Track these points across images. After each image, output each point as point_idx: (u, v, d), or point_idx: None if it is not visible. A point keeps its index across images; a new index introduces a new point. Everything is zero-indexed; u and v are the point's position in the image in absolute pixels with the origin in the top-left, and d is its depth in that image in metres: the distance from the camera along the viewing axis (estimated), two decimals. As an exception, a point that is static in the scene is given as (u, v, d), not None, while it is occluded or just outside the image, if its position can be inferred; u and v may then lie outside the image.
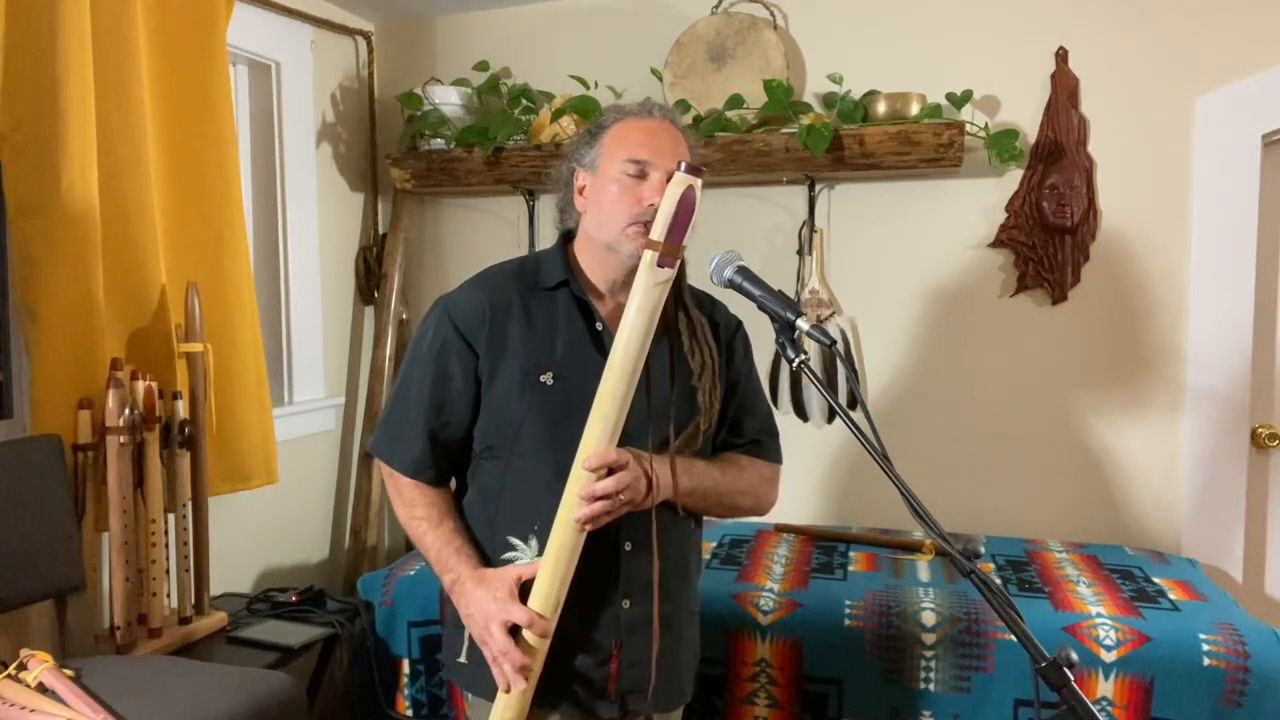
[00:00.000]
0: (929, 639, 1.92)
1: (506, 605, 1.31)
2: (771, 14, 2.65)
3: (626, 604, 1.40)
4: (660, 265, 1.28)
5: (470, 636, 1.40)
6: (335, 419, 2.97)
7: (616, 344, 1.29)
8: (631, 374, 1.28)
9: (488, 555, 1.41)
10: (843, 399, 2.59)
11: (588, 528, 1.30)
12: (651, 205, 1.33)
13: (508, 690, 1.31)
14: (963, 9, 2.52)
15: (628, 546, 1.39)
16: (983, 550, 2.30)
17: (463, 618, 1.38)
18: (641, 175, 1.36)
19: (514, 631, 1.31)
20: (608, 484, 1.29)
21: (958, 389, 2.59)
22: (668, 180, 1.32)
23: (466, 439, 1.45)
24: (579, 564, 1.31)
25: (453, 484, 1.52)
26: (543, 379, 1.38)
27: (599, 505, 1.28)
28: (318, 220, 2.85)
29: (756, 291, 1.31)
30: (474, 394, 1.42)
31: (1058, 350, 2.51)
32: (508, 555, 1.39)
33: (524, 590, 1.33)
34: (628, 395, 1.29)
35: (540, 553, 1.34)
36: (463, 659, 1.45)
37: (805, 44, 2.66)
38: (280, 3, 2.63)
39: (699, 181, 1.30)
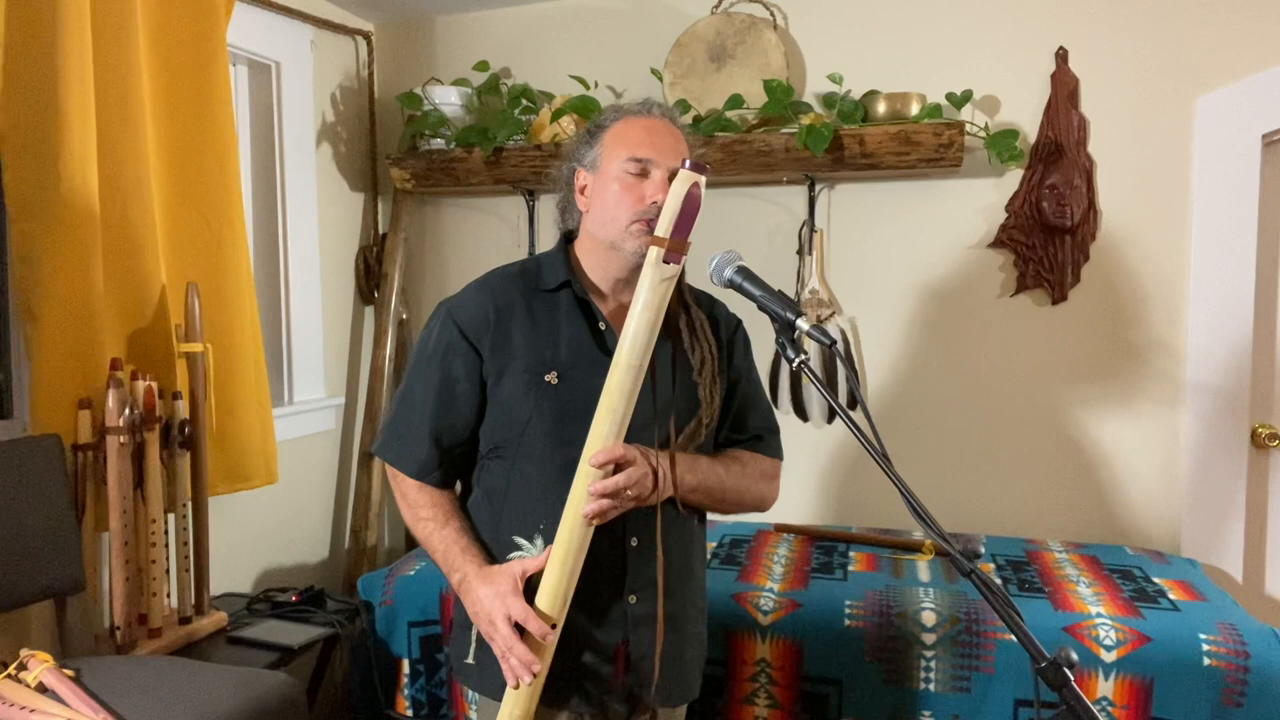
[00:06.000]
0: (929, 639, 1.92)
1: (509, 600, 1.31)
2: (771, 14, 2.65)
3: (633, 600, 1.40)
4: (666, 261, 1.29)
5: (477, 636, 1.41)
6: (335, 419, 2.97)
7: (623, 339, 1.30)
8: (638, 370, 1.29)
9: (494, 555, 1.42)
10: (843, 399, 2.59)
11: (595, 523, 1.30)
12: (654, 203, 1.34)
13: (516, 686, 1.31)
14: (963, 9, 2.52)
15: (634, 543, 1.39)
16: (983, 550, 2.30)
17: (470, 615, 1.38)
18: (643, 173, 1.37)
19: (522, 626, 1.31)
20: (616, 480, 1.29)
21: (958, 389, 2.59)
22: (670, 178, 1.33)
23: (472, 441, 1.46)
24: (586, 561, 1.32)
25: (457, 487, 1.53)
26: (547, 379, 1.39)
27: (606, 501, 1.29)
28: (318, 220, 2.85)
29: (756, 291, 1.32)
30: (479, 396, 1.42)
31: (1058, 350, 2.51)
32: (513, 555, 1.39)
33: (533, 585, 1.33)
34: (634, 391, 1.30)
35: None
36: (470, 660, 1.45)
37: (805, 44, 2.66)
38: (280, 3, 2.63)
39: (703, 179, 1.30)
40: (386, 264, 3.00)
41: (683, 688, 1.49)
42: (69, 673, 1.60)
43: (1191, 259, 2.39)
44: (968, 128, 2.37)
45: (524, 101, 2.72)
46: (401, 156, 2.83)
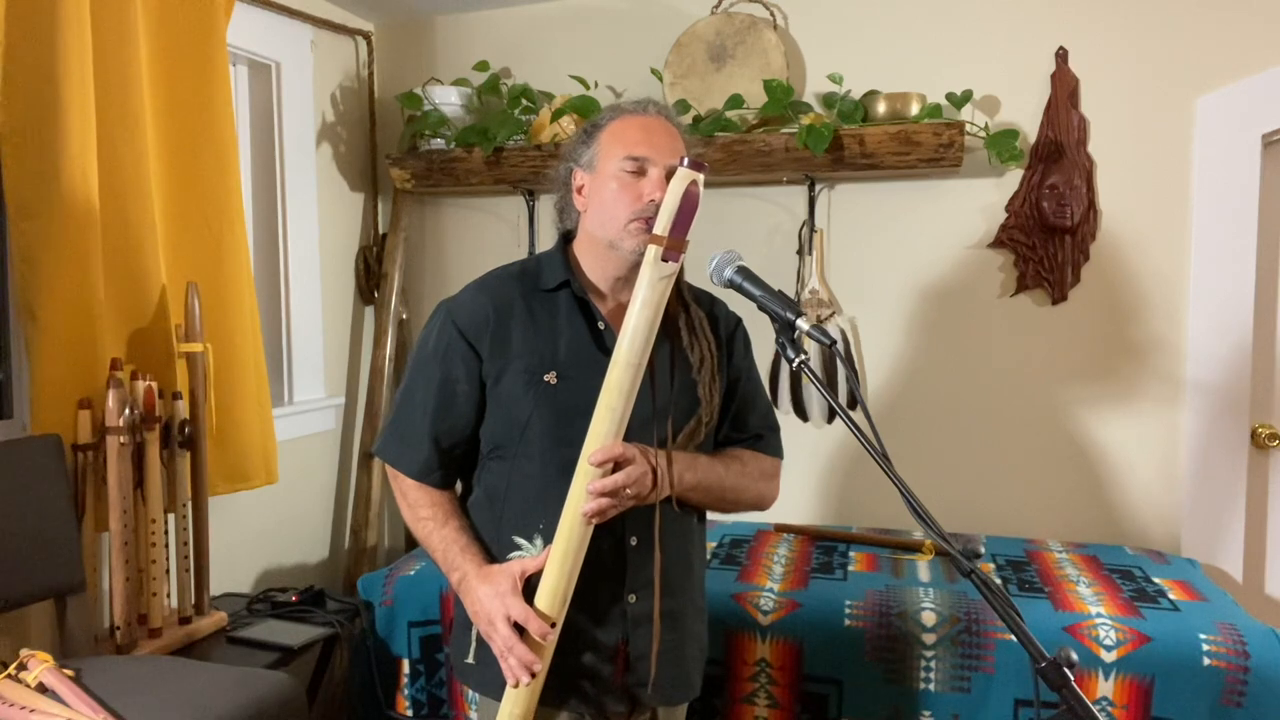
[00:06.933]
0: (929, 639, 1.92)
1: (508, 599, 1.31)
2: (771, 14, 2.65)
3: (633, 599, 1.40)
4: (664, 260, 1.29)
5: (478, 636, 1.41)
6: (335, 419, 2.97)
7: (622, 337, 1.30)
8: (637, 368, 1.29)
9: (494, 555, 1.42)
10: (843, 399, 2.59)
11: (594, 522, 1.30)
12: (652, 201, 1.34)
13: (516, 685, 1.31)
14: (963, 9, 2.52)
15: (633, 542, 1.39)
16: (983, 550, 2.30)
17: (469, 614, 1.38)
18: (640, 172, 1.37)
19: (521, 626, 1.31)
20: (616, 479, 1.29)
21: (958, 389, 2.59)
22: (667, 176, 1.33)
23: (472, 441, 1.46)
24: (585, 560, 1.31)
25: (458, 487, 1.53)
26: (547, 378, 1.39)
27: (605, 499, 1.29)
28: (318, 220, 2.85)
29: (756, 291, 1.32)
30: (479, 396, 1.42)
31: (1058, 350, 2.51)
32: (513, 555, 1.39)
33: (532, 584, 1.33)
34: (633, 389, 1.30)
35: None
36: (470, 659, 1.45)
37: (805, 44, 2.66)
38: (280, 3, 2.63)
39: (701, 176, 1.30)
40: (386, 264, 3.00)
41: (683, 686, 1.49)
42: (69, 673, 1.60)
43: (1191, 259, 2.39)
44: (968, 128, 2.37)
45: (524, 101, 2.72)
46: (401, 156, 2.83)
